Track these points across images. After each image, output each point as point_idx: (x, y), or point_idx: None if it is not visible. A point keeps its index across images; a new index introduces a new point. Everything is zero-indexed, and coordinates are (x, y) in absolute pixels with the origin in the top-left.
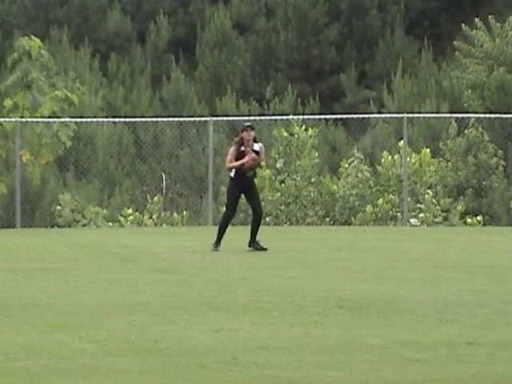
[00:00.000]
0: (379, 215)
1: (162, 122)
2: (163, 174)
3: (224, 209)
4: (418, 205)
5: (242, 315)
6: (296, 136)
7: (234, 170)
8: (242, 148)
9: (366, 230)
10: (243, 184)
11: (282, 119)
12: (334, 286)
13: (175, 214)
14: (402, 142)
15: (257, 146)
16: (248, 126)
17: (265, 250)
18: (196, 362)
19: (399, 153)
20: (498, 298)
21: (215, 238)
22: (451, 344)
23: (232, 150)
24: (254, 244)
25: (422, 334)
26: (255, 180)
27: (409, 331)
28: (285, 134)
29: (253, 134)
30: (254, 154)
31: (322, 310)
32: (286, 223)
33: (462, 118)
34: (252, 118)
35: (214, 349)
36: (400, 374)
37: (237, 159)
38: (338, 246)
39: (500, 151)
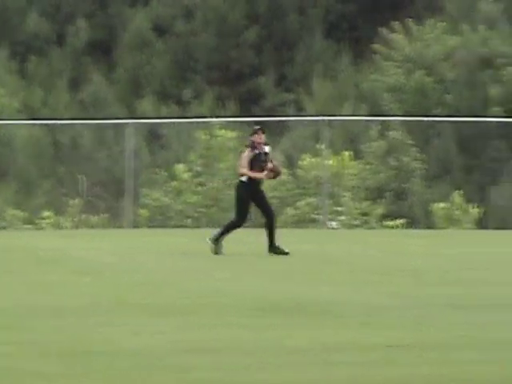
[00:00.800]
0: (299, 218)
1: (81, 124)
2: (82, 177)
3: (234, 216)
4: (338, 207)
5: (165, 318)
6: (216, 139)
7: (245, 177)
8: (257, 151)
9: (287, 232)
10: (255, 190)
11: (201, 122)
12: (258, 288)
13: (94, 217)
14: (322, 144)
15: (267, 149)
16: (259, 129)
17: (286, 254)
18: (118, 365)
19: (319, 155)
20: (421, 301)
21: (216, 234)
22: (379, 347)
23: (246, 154)
24: (273, 249)
25: (350, 337)
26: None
27: (336, 334)
28: (204, 136)
29: (263, 136)
30: (271, 167)
31: (245, 313)
32: (206, 226)
33: (382, 120)
34: (171, 120)
35: (136, 352)
36: (322, 377)
37: (251, 163)
38: (258, 248)
39: (420, 154)
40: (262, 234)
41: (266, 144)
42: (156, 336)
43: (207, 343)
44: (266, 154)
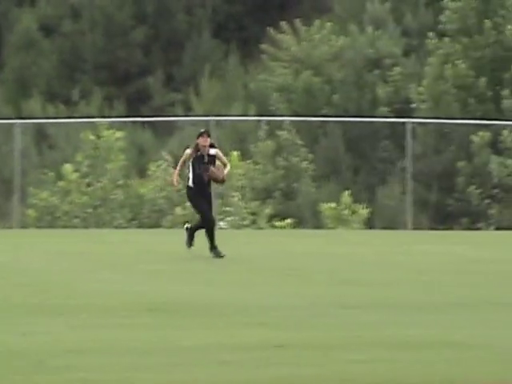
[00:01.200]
0: (188, 218)
1: None
2: None
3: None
4: (227, 207)
5: (52, 318)
6: (103, 139)
7: (191, 179)
8: (199, 153)
9: (176, 232)
10: (198, 190)
11: (89, 122)
12: (143, 288)
13: None
14: None
15: (213, 151)
16: (204, 132)
17: (221, 257)
18: (5, 366)
19: None
20: (306, 301)
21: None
22: (262, 346)
23: (184, 153)
24: (214, 251)
25: (233, 337)
26: None
27: (220, 334)
28: (91, 137)
29: (209, 140)
30: (212, 170)
31: (131, 313)
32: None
33: (270, 120)
34: (59, 120)
35: (23, 352)
36: (212, 376)
37: (193, 165)
38: (145, 248)
39: (310, 155)
40: (140, 234)
41: (212, 146)
42: (42, 336)
43: (92, 343)
44: (210, 155)
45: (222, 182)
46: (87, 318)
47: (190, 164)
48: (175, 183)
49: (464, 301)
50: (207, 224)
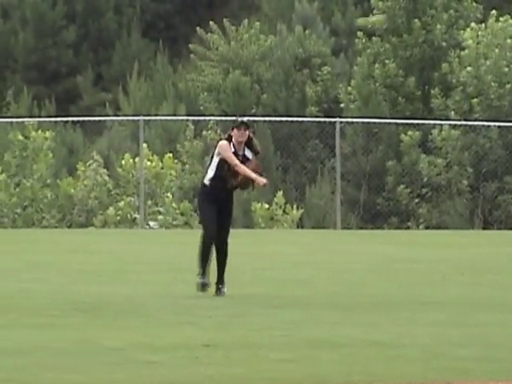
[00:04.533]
0: (119, 218)
1: None
2: None
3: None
4: (158, 208)
5: None
6: (31, 139)
7: (209, 176)
8: (233, 150)
9: (105, 232)
10: (219, 196)
11: (17, 122)
12: (69, 288)
13: None
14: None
15: (249, 155)
16: (242, 123)
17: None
18: None
19: (138, 156)
20: (233, 300)
21: (198, 268)
22: (187, 346)
23: (224, 144)
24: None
25: (158, 337)
26: None
27: (144, 334)
28: (20, 137)
29: (247, 134)
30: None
31: (57, 313)
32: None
33: (199, 120)
34: None
35: None
36: (136, 377)
37: (220, 163)
38: (73, 248)
39: None
40: (69, 234)
41: (249, 144)
42: None
43: (11, 344)
44: (245, 157)
45: (252, 183)
46: (13, 318)
47: (218, 160)
48: (261, 180)
49: (389, 300)
50: (204, 238)
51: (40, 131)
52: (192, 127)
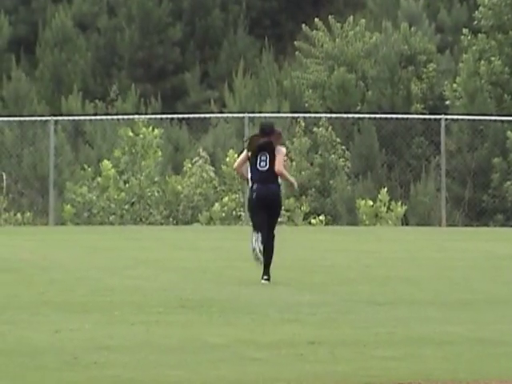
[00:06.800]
0: (224, 215)
1: (2, 121)
2: (3, 174)
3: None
4: None
5: (83, 315)
6: (141, 136)
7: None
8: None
9: (210, 229)
10: (265, 197)
11: (125, 119)
12: (176, 285)
13: (18, 214)
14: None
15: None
16: (265, 126)
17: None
18: (36, 363)
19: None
20: (338, 297)
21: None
22: (292, 343)
23: (283, 151)
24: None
25: (263, 334)
26: None
27: (250, 331)
28: (130, 133)
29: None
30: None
31: (163, 310)
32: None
33: (304, 117)
34: (96, 117)
35: (55, 349)
36: (240, 374)
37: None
38: (180, 245)
39: (347, 152)
40: (175, 231)
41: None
42: (74, 333)
43: (116, 340)
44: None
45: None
46: (119, 315)
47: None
48: (292, 181)
49: (494, 297)
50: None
51: (150, 128)
52: (303, 124)
